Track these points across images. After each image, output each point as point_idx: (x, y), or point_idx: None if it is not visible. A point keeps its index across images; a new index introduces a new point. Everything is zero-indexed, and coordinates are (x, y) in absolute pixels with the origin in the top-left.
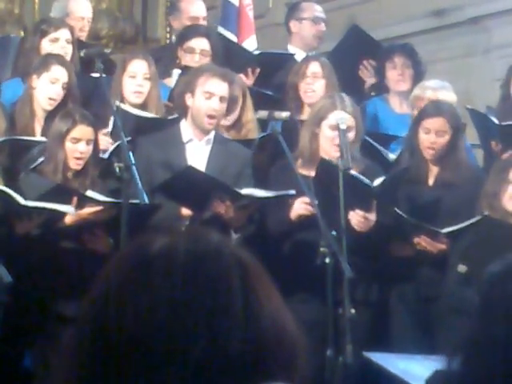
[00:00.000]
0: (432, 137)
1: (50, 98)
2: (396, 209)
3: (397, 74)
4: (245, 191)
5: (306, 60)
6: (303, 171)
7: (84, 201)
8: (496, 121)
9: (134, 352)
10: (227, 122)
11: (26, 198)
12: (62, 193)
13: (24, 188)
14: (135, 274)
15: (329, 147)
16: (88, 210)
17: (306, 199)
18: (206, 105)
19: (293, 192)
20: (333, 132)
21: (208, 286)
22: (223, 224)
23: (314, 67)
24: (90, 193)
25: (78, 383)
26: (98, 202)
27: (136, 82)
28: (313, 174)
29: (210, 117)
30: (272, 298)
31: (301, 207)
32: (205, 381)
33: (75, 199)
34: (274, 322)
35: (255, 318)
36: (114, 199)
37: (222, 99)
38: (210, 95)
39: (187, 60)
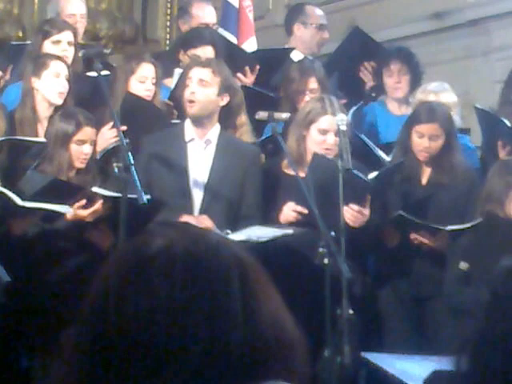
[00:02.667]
0: (425, 141)
1: (59, 92)
2: (401, 212)
3: (393, 82)
4: (239, 237)
5: (304, 74)
6: (289, 171)
7: (90, 197)
8: (508, 123)
9: (134, 352)
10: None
11: (29, 196)
12: (66, 190)
13: (28, 186)
14: (134, 273)
15: (318, 151)
16: (88, 211)
17: (296, 207)
18: (186, 91)
19: (291, 231)
20: (322, 136)
21: (207, 285)
22: None
23: (312, 84)
24: (95, 188)
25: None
26: (102, 197)
27: (145, 87)
28: (299, 174)
29: (189, 101)
30: (271, 298)
31: (290, 215)
32: (204, 381)
33: (83, 201)
34: (273, 322)
35: (254, 318)
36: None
37: (200, 82)
38: (189, 81)
39: None
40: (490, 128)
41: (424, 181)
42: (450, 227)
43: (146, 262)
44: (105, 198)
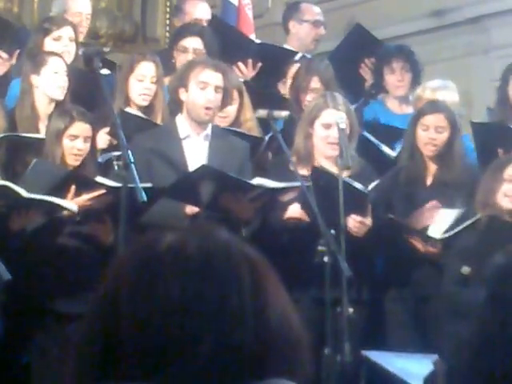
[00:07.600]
0: (431, 133)
1: (60, 87)
2: (390, 215)
3: (396, 80)
4: (255, 181)
5: (308, 72)
6: (298, 170)
7: (95, 187)
8: None
9: (145, 346)
10: (225, 122)
11: (34, 184)
12: (74, 180)
13: (33, 174)
14: (146, 268)
15: (323, 146)
16: (85, 197)
17: (301, 211)
18: (202, 96)
19: (298, 184)
20: (326, 131)
21: (218, 282)
22: (231, 220)
23: (314, 84)
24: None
25: (87, 379)
26: (106, 187)
27: (144, 85)
28: (307, 173)
29: (207, 108)
30: (280, 296)
31: (296, 212)
32: (213, 375)
33: (73, 188)
34: (281, 320)
35: (264, 316)
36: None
37: (216, 89)
38: (204, 85)
39: (181, 60)
40: (489, 139)
41: (429, 180)
42: (440, 236)
43: (158, 258)
44: (108, 188)
